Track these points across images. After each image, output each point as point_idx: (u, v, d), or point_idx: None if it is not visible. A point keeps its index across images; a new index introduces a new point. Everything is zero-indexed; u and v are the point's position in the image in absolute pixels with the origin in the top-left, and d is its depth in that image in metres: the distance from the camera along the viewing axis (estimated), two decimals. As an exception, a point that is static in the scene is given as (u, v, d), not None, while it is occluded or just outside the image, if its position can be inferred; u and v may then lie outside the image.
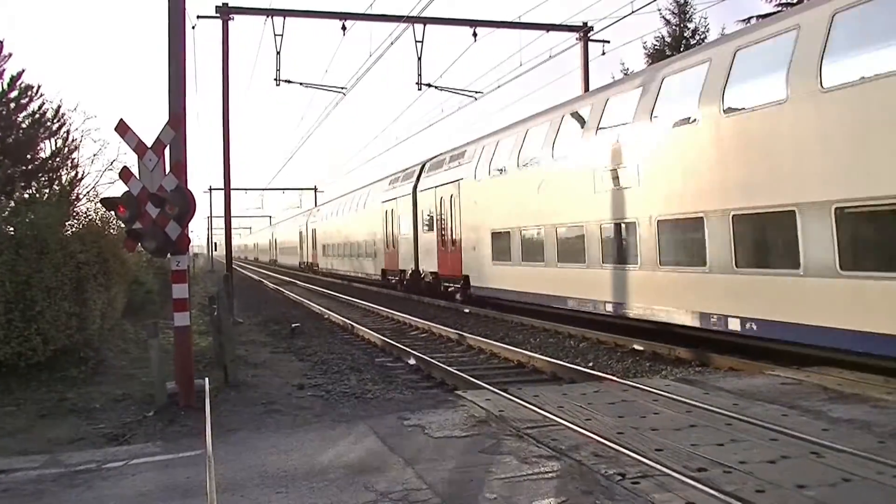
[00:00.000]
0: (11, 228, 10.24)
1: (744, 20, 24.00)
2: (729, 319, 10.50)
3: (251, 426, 7.31)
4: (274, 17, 19.99)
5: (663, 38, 29.56)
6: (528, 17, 27.67)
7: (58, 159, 17.62)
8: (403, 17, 19.49)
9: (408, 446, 6.19)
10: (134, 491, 5.38)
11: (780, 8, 22.93)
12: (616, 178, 13.18)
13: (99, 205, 12.08)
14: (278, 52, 20.36)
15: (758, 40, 10.30)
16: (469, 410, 7.39)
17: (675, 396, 7.56)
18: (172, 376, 8.65)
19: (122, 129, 8.33)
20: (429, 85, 21.86)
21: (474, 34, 20.66)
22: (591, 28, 21.92)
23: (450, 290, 22.31)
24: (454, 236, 21.54)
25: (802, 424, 6.31)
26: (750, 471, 5.07)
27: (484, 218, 19.20)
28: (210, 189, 62.42)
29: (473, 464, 5.60)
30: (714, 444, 5.77)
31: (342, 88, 22.46)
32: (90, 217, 12.56)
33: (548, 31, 21.74)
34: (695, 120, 11.21)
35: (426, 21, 20.19)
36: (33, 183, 16.25)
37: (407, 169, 27.99)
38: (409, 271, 26.00)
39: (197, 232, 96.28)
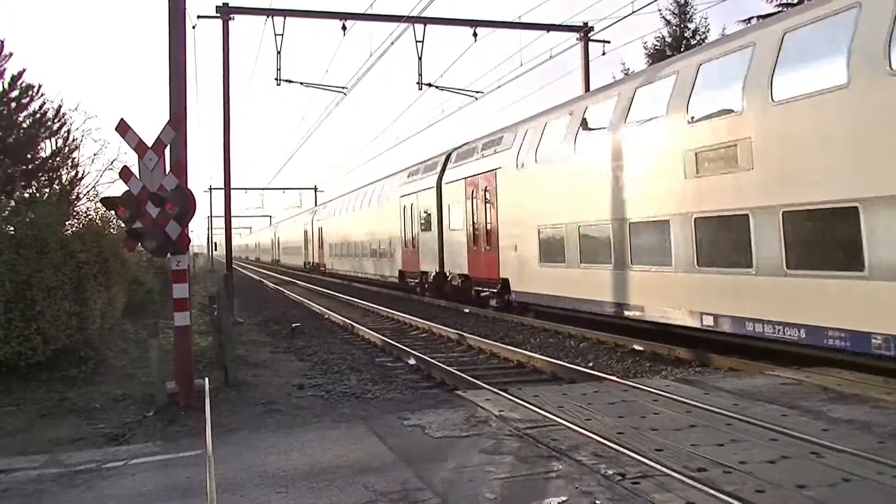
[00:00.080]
0: (12, 228, 10.24)
1: (744, 20, 24.01)
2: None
3: (251, 426, 7.31)
4: (274, 17, 19.99)
5: (664, 38, 29.57)
6: (529, 17, 27.71)
7: (58, 159, 17.63)
8: (404, 17, 19.49)
9: (408, 446, 6.19)
10: (134, 491, 5.38)
11: (780, 8, 22.93)
12: (723, 160, 10.58)
13: (99, 204, 12.08)
14: (279, 52, 20.37)
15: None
16: (469, 410, 7.39)
17: (675, 397, 7.56)
18: (172, 376, 8.66)
19: (123, 128, 8.34)
20: (429, 85, 21.85)
21: (475, 34, 20.66)
22: (592, 28, 21.92)
23: (482, 294, 19.79)
24: (489, 234, 18.95)
25: (802, 425, 6.31)
26: (750, 471, 5.07)
27: (529, 213, 16.57)
28: (210, 189, 62.50)
29: (473, 464, 5.59)
30: (714, 445, 5.77)
31: (342, 88, 22.47)
32: (90, 217, 12.58)
33: (548, 31, 21.74)
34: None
35: (426, 21, 20.18)
36: (34, 182, 16.26)
37: (428, 160, 25.36)
38: (433, 273, 23.47)
39: (197, 232, 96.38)
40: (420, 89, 21.61)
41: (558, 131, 15.60)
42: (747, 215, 10.05)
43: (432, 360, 11.46)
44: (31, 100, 17.07)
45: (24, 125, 17.00)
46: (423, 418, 7.16)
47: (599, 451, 5.72)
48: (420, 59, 20.83)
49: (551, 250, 15.69)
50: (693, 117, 11.21)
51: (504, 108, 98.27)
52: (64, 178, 17.41)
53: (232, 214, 21.88)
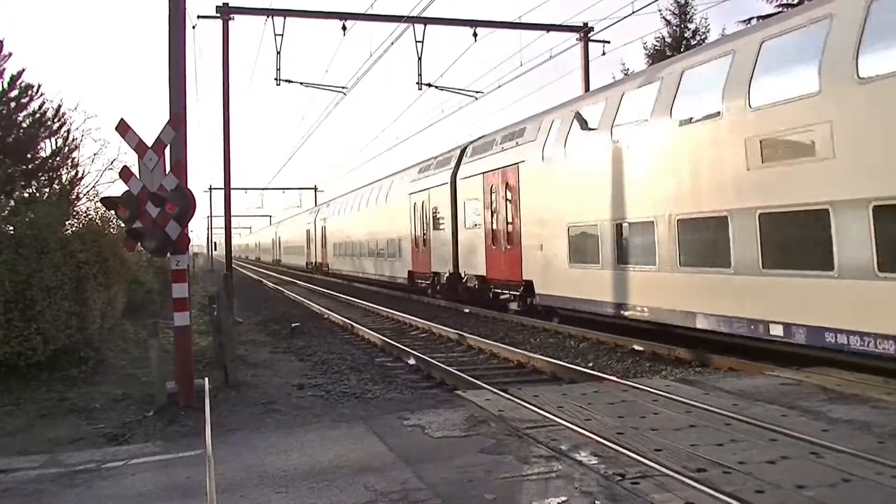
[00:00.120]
0: (11, 228, 10.24)
1: (744, 21, 24.02)
2: None
3: (251, 426, 7.31)
4: (274, 17, 19.99)
5: (664, 38, 29.58)
6: (529, 17, 27.67)
7: (58, 159, 17.62)
8: (404, 17, 19.50)
9: (407, 446, 6.19)
10: (133, 491, 5.38)
11: (780, 9, 22.94)
12: (797, 148, 9.32)
13: (99, 204, 12.09)
14: (278, 52, 20.38)
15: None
16: (469, 410, 7.39)
17: (674, 397, 7.56)
18: (172, 376, 8.66)
19: (123, 128, 8.34)
20: (429, 85, 21.85)
21: (474, 34, 20.65)
22: (592, 28, 21.92)
23: (501, 297, 18.50)
24: (511, 232, 17.57)
25: (802, 425, 6.32)
26: (749, 471, 5.07)
27: (557, 208, 15.19)
28: (210, 188, 62.48)
29: (473, 464, 5.59)
30: (713, 445, 5.77)
31: (342, 88, 22.48)
32: (90, 216, 12.58)
33: (548, 31, 21.74)
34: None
35: (426, 21, 20.18)
36: (33, 182, 16.25)
37: (440, 155, 24.00)
38: (446, 274, 22.02)
39: (197, 231, 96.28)
40: (420, 89, 21.63)
41: (591, 121, 14.18)
42: (828, 210, 8.73)
43: (432, 360, 11.46)
44: (31, 99, 17.06)
45: (24, 125, 16.98)
46: (423, 418, 7.16)
47: (599, 451, 5.72)
48: (420, 59, 20.85)
49: (583, 250, 14.32)
50: (756, 103, 9.88)
51: (504, 109, 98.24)
52: (64, 177, 17.41)
53: (232, 214, 21.87)
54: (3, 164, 15.15)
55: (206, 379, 8.71)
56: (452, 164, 21.92)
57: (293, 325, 17.04)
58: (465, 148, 21.48)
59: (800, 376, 8.69)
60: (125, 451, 6.53)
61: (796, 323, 9.29)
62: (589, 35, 21.99)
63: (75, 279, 10.28)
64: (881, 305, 8.15)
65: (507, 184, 17.69)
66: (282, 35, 19.93)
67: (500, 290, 18.57)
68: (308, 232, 49.40)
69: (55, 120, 17.47)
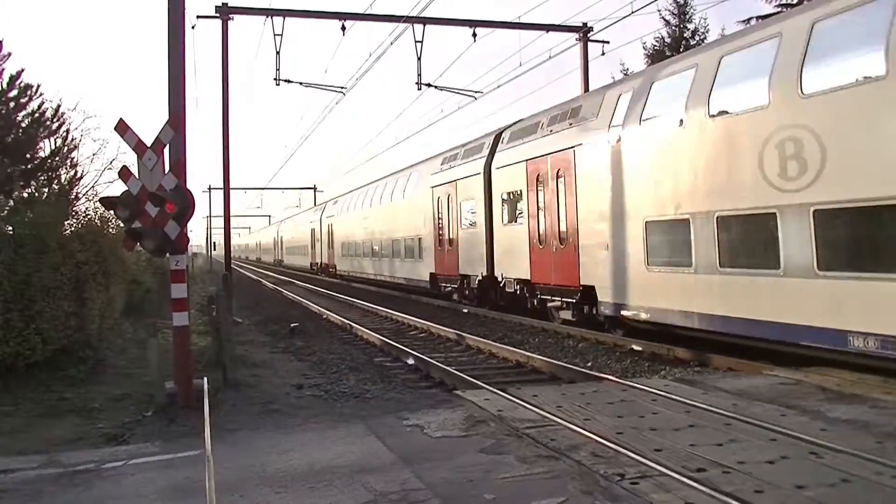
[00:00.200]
0: (10, 228, 10.24)
1: (744, 21, 24.04)
2: None
3: (250, 426, 7.31)
4: (273, 17, 19.98)
5: (663, 38, 29.61)
6: (528, 17, 27.73)
7: (57, 158, 17.63)
8: (403, 17, 19.49)
9: (407, 446, 6.19)
10: (133, 491, 5.38)
11: (780, 9, 22.96)
12: None
13: (98, 204, 12.09)
14: (278, 52, 20.36)
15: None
16: (468, 410, 7.39)
17: (674, 396, 7.56)
18: (171, 376, 8.65)
19: (122, 128, 8.34)
20: (428, 85, 21.86)
21: (474, 34, 20.64)
22: (591, 28, 21.92)
23: (550, 304, 15.87)
24: (563, 229, 15.07)
25: (801, 425, 6.32)
26: (749, 471, 5.08)
27: (629, 200, 12.64)
28: (209, 188, 62.48)
29: (472, 464, 5.59)
30: (713, 445, 5.77)
31: (342, 88, 22.48)
32: (89, 216, 12.58)
33: (547, 31, 21.74)
34: None
35: (426, 21, 20.18)
36: (32, 182, 16.27)
37: (469, 143, 21.64)
38: (477, 278, 19.75)
39: (196, 231, 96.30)
40: (419, 89, 21.63)
41: (677, 92, 11.59)
42: None
43: (431, 360, 11.46)
44: (30, 99, 17.09)
45: (23, 125, 17.00)
46: (422, 418, 7.16)
47: (598, 451, 5.72)
48: (419, 59, 20.85)
49: (666, 249, 11.83)
50: None
51: (503, 108, 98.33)
52: (63, 177, 17.44)
53: (231, 214, 21.85)
54: (3, 164, 15.17)
55: (206, 379, 8.70)
56: (485, 152, 19.52)
57: (292, 325, 17.03)
58: (500, 133, 19.08)
59: (799, 376, 8.70)
60: (124, 451, 6.53)
61: None
62: (588, 35, 21.99)
63: (74, 279, 10.28)
64: None
65: (557, 172, 15.19)
66: (281, 35, 19.95)
67: (548, 297, 15.94)
68: (313, 231, 46.95)
69: (54, 120, 17.50)
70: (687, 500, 4.60)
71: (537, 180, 16.18)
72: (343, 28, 19.90)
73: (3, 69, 16.75)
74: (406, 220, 26.08)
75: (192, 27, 19.47)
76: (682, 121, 11.31)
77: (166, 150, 8.55)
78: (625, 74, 27.61)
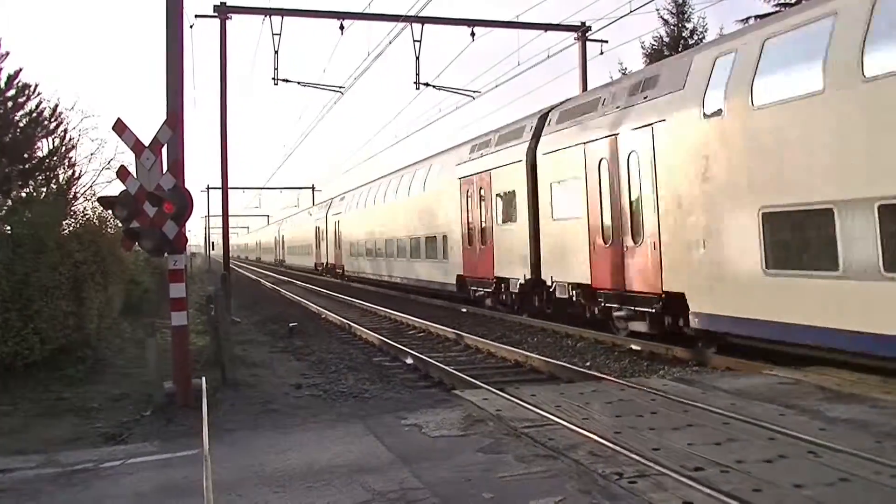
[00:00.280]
0: (8, 227, 10.23)
1: (742, 20, 24.04)
2: None
3: (249, 426, 7.31)
4: (272, 17, 19.98)
5: (661, 38, 29.60)
6: (526, 16, 27.76)
7: (55, 158, 17.59)
8: (401, 16, 19.49)
9: (405, 446, 6.19)
10: (131, 490, 5.37)
11: (778, 8, 22.96)
12: None
13: (96, 204, 12.08)
14: (276, 52, 20.37)
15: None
16: (466, 410, 7.39)
17: (672, 396, 7.57)
18: (170, 376, 8.65)
19: (120, 128, 8.33)
20: (427, 84, 21.86)
21: (472, 34, 20.65)
22: (590, 28, 21.93)
23: (618, 314, 13.06)
24: (637, 223, 12.43)
25: (800, 424, 6.32)
26: (747, 470, 5.08)
27: (736, 185, 10.05)
28: (208, 188, 62.42)
29: (470, 463, 5.60)
30: (711, 444, 5.77)
31: (340, 88, 22.48)
32: (87, 216, 12.58)
33: (546, 30, 21.75)
34: None
35: (424, 20, 20.18)
36: (30, 182, 16.23)
37: (505, 127, 18.98)
38: (519, 281, 16.99)
39: (194, 231, 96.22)
40: (417, 89, 21.64)
41: (808, 49, 8.90)
42: None
43: (430, 360, 11.46)
44: (28, 99, 17.02)
45: (21, 124, 16.96)
46: (421, 418, 7.16)
47: (597, 450, 5.72)
48: (418, 58, 20.85)
49: (799, 248, 9.42)
50: None
51: (502, 108, 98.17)
52: (61, 177, 17.39)
53: (229, 214, 21.84)
54: (0, 164, 15.14)
55: (204, 378, 8.71)
56: (527, 136, 16.84)
57: (291, 324, 17.01)
58: (547, 114, 16.40)
59: (798, 375, 8.70)
60: (123, 450, 6.53)
61: None
62: (586, 34, 21.99)
63: (72, 279, 10.27)
64: None
65: (629, 154, 12.51)
66: (280, 34, 19.95)
67: (615, 305, 13.21)
68: (318, 229, 43.56)
69: (52, 119, 17.45)
70: (685, 499, 4.60)
71: (599, 166, 13.48)
72: (341, 27, 19.91)
73: (0, 68, 16.74)
74: (427, 215, 23.61)
75: (191, 26, 19.37)
76: (823, 85, 8.55)
77: (164, 150, 8.55)
78: (623, 74, 27.59)
